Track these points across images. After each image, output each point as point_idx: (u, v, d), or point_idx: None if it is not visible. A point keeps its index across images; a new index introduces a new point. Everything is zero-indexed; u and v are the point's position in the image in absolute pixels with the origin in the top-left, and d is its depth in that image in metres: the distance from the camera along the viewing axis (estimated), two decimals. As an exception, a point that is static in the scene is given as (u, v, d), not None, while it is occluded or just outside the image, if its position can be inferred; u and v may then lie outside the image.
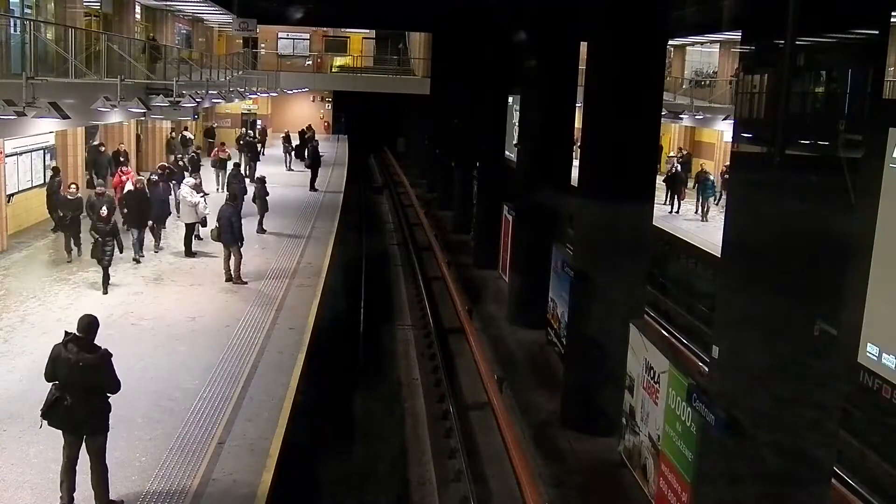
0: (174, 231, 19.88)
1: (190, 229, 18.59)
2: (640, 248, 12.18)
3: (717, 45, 34.84)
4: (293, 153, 35.37)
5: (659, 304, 17.43)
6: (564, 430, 12.05)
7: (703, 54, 37.77)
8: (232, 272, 16.36)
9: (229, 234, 16.34)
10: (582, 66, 13.24)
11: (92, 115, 15.94)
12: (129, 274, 16.38)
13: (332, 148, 44.25)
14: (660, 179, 27.46)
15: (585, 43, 12.73)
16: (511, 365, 14.92)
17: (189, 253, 18.28)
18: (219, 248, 17.53)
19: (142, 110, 17.04)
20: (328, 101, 50.87)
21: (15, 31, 15.40)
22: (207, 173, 25.92)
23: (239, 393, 11.10)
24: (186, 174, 21.55)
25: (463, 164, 26.65)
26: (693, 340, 14.15)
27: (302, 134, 37.33)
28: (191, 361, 12.13)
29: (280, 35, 46.30)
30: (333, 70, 45.34)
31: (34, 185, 20.12)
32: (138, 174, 22.69)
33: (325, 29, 46.69)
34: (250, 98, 35.58)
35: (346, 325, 16.98)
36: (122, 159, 23.31)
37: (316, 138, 35.39)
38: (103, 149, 23.96)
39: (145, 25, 29.04)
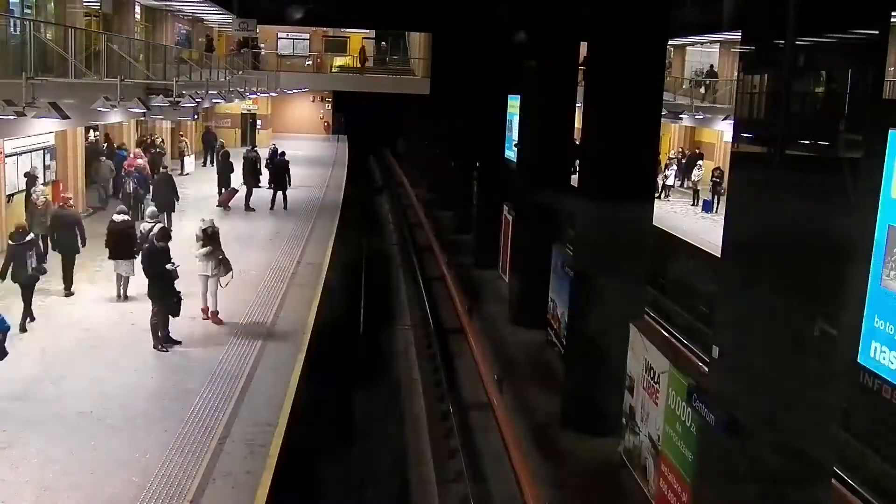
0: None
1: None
2: (641, 249, 12.18)
3: (717, 45, 34.83)
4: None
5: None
6: (565, 430, 12.05)
7: (703, 54, 37.74)
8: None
9: None
10: (582, 66, 13.25)
11: (92, 115, 15.93)
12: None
13: (332, 148, 44.31)
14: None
15: (585, 43, 12.74)
16: (511, 365, 14.92)
17: None
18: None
19: (141, 110, 17.04)
20: (328, 101, 50.86)
21: (15, 31, 15.39)
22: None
23: (238, 394, 11.10)
24: None
25: (463, 164, 26.64)
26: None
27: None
28: (191, 362, 12.14)
29: (280, 35, 46.28)
30: (333, 70, 45.33)
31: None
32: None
33: (325, 29, 46.67)
34: (250, 98, 35.55)
35: (346, 326, 16.99)
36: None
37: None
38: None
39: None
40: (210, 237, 13.65)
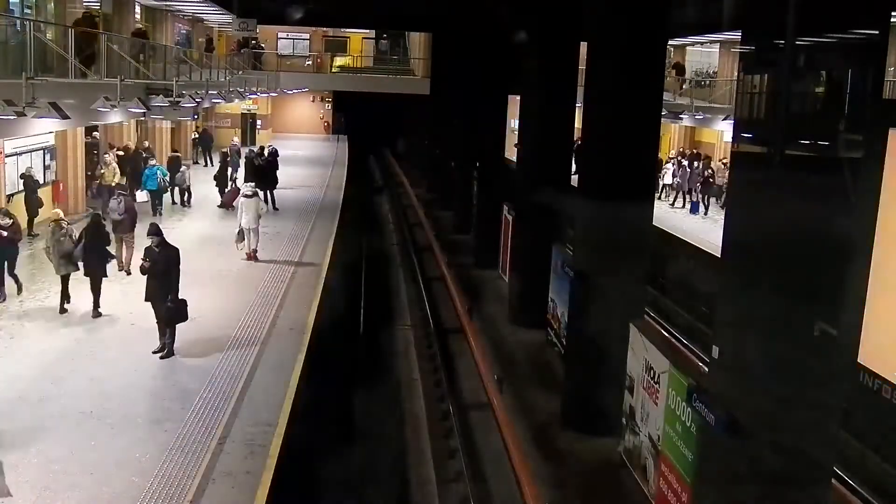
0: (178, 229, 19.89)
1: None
2: (640, 249, 12.18)
3: (717, 45, 34.81)
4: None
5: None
6: (565, 430, 12.05)
7: (703, 54, 37.73)
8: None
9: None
10: (582, 66, 13.25)
11: (92, 115, 15.92)
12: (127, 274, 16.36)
13: (332, 148, 44.32)
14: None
15: (585, 43, 12.74)
16: (511, 365, 14.92)
17: None
18: (221, 247, 17.63)
19: (141, 110, 17.02)
20: (328, 102, 50.89)
21: (17, 33, 15.36)
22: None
23: (238, 394, 11.10)
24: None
25: (463, 164, 26.65)
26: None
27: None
28: (191, 362, 12.14)
29: (280, 35, 46.29)
30: (333, 70, 45.36)
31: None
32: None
33: (325, 29, 46.68)
34: (250, 98, 35.55)
35: (346, 325, 16.99)
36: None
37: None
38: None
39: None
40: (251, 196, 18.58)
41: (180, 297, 12.30)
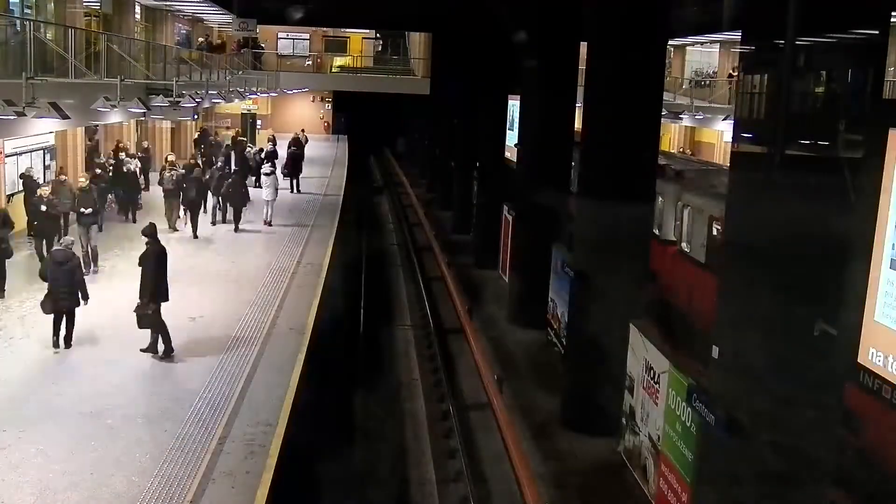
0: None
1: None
2: (640, 249, 12.17)
3: (717, 45, 34.83)
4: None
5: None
6: (565, 430, 12.05)
7: (703, 54, 37.74)
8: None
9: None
10: (582, 66, 13.25)
11: (92, 115, 15.93)
12: (128, 272, 16.33)
13: (332, 148, 44.32)
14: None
15: (585, 43, 12.75)
16: (511, 365, 14.92)
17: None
18: (220, 246, 17.67)
19: (142, 110, 17.03)
20: (328, 102, 50.87)
21: (17, 31, 15.38)
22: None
23: (238, 394, 11.10)
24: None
25: (463, 164, 26.65)
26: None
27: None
28: (191, 362, 12.14)
29: (280, 35, 46.28)
30: (333, 70, 45.35)
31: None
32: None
33: (325, 29, 46.67)
34: (250, 98, 35.53)
35: (346, 325, 16.98)
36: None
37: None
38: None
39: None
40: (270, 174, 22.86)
41: (169, 299, 12.29)
